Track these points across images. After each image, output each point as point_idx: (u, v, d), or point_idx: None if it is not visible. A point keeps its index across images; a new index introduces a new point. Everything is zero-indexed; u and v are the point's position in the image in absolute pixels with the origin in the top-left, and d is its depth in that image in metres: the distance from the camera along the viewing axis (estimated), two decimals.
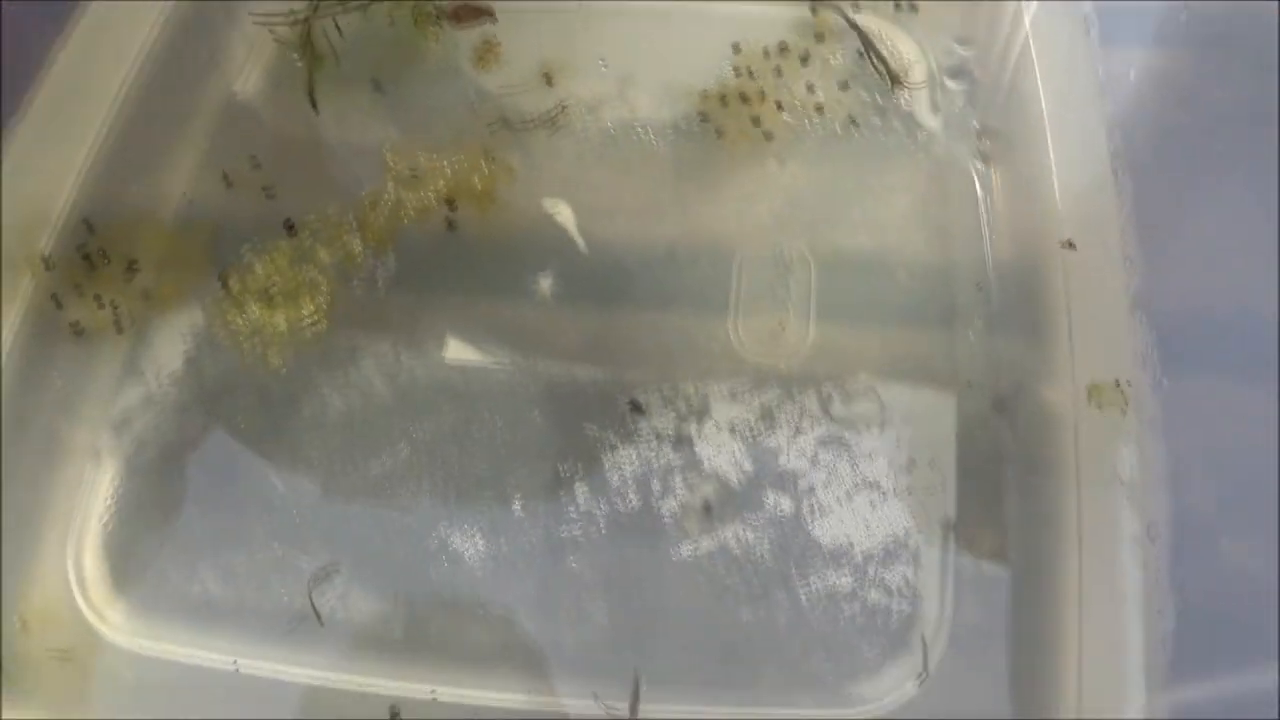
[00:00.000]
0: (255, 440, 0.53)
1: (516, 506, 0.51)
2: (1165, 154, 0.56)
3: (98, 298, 0.55)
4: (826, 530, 0.50)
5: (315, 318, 0.55)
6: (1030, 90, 0.61)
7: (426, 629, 0.49)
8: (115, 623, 0.49)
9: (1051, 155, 0.58)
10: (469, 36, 0.63)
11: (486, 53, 0.60)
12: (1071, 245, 0.51)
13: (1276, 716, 0.32)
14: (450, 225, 0.58)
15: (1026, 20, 0.61)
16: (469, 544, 0.50)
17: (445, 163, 0.58)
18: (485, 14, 0.61)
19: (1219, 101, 0.56)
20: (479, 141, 0.60)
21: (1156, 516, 0.43)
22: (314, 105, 0.62)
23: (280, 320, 0.54)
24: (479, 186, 0.58)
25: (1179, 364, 0.44)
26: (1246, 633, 0.36)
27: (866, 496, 0.51)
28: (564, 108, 0.62)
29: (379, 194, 0.58)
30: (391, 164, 0.58)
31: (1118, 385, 0.47)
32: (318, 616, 0.48)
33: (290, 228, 0.56)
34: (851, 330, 0.55)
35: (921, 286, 0.56)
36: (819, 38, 0.64)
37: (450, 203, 0.57)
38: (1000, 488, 0.50)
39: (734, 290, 0.56)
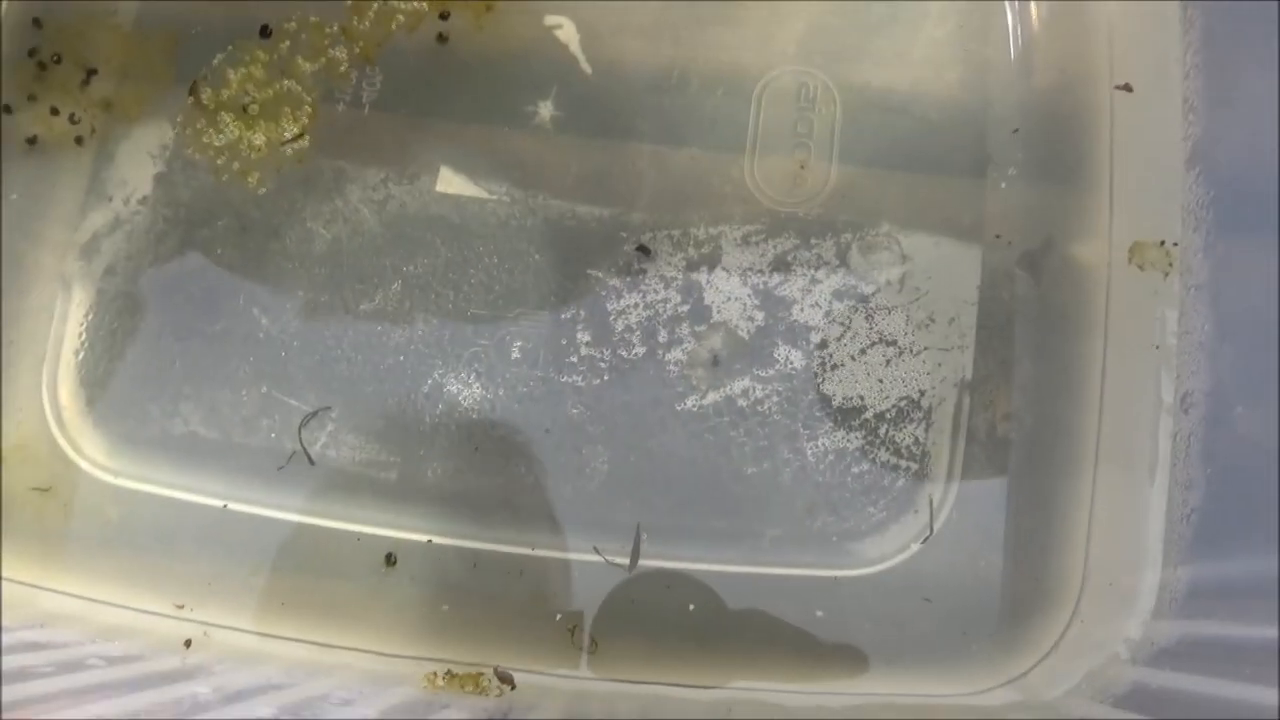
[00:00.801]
0: (236, 270, 0.49)
1: (515, 350, 0.49)
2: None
3: (54, 109, 0.50)
4: (837, 387, 0.48)
5: (297, 136, 0.50)
6: None
7: (422, 474, 0.47)
8: (96, 459, 0.47)
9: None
10: None
11: None
12: (1128, 87, 0.46)
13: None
14: (442, 38, 0.53)
15: None
16: (465, 389, 0.48)
17: None
18: None
19: None
20: None
21: (1193, 385, 0.41)
22: None
23: (258, 137, 0.50)
24: None
25: (1234, 226, 0.41)
26: (1268, 516, 0.34)
27: (881, 353, 0.49)
28: None
29: None
30: None
31: (1163, 245, 0.44)
32: (308, 457, 0.47)
33: (266, 33, 0.51)
34: (875, 175, 0.52)
35: (953, 129, 0.52)
36: None
37: (443, 13, 0.52)
38: (1022, 349, 0.48)
39: (751, 125, 0.52)
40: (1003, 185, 0.51)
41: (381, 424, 0.48)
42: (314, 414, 0.47)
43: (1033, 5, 0.53)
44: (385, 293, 0.50)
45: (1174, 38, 0.46)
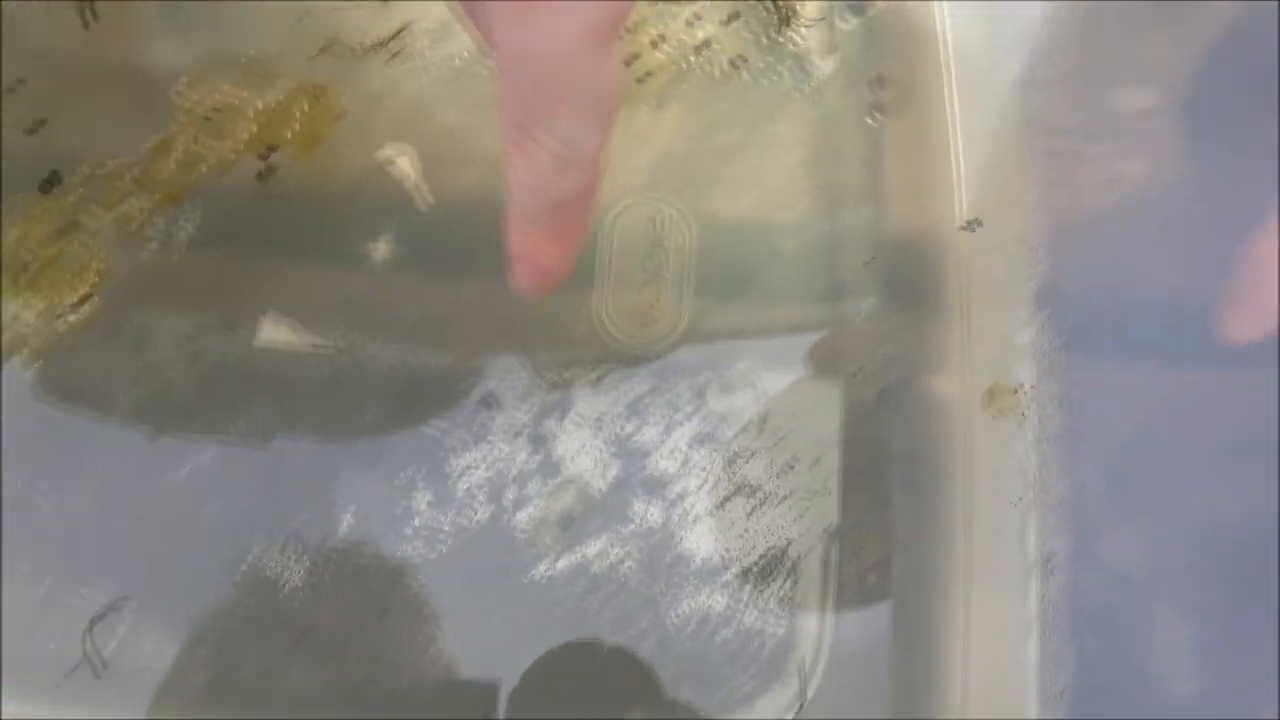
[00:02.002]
0: (11, 446, 0.44)
1: (345, 521, 0.44)
2: (1071, 105, 0.51)
3: None
4: (698, 543, 0.45)
5: (85, 298, 0.45)
6: (932, 32, 0.54)
7: (236, 671, 0.42)
8: None
9: (954, 111, 0.53)
10: None
11: None
12: (974, 226, 0.46)
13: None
14: (264, 175, 0.49)
15: None
16: (288, 568, 0.43)
17: (258, 100, 0.48)
18: None
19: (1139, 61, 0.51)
20: (299, 73, 0.50)
21: (1056, 546, 0.39)
22: (87, 17, 0.50)
23: (36, 304, 0.44)
24: (298, 128, 0.48)
25: (1087, 371, 0.40)
26: (1153, 696, 0.32)
27: (743, 503, 0.46)
28: (407, 28, 0.53)
29: (171, 138, 0.47)
30: (186, 99, 0.47)
31: (1016, 392, 0.43)
32: (93, 664, 0.41)
33: (53, 181, 0.46)
34: (731, 309, 0.49)
35: (808, 259, 0.50)
36: None
37: (264, 149, 0.48)
38: (888, 491, 0.46)
39: (601, 260, 0.49)
40: (859, 319, 0.49)
41: (188, 615, 0.42)
42: (107, 608, 0.41)
43: (889, 130, 0.53)
44: (195, 461, 0.44)
45: (1019, 172, 0.46)
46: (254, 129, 0.47)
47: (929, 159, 0.52)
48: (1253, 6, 0.44)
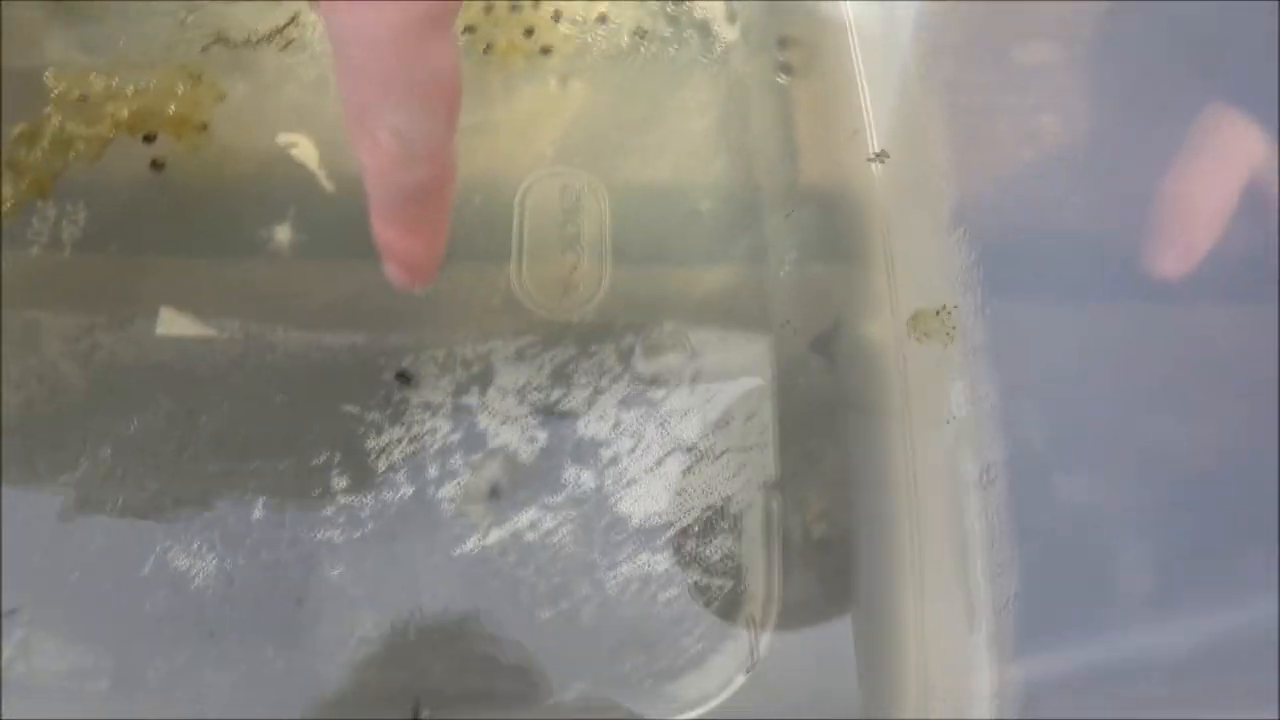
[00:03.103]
0: None
1: (258, 510, 0.41)
2: (976, 61, 0.51)
3: None
4: (635, 505, 0.43)
5: None
6: None
7: (142, 676, 0.38)
8: None
9: (858, 63, 0.53)
10: None
11: None
12: (882, 157, 0.45)
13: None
14: (156, 165, 0.47)
15: None
16: (197, 563, 0.40)
17: (130, 85, 0.46)
18: None
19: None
20: (181, 59, 0.48)
21: (992, 457, 0.38)
22: None
23: None
24: (175, 110, 0.46)
25: (1003, 286, 0.39)
26: (1093, 592, 0.31)
27: (679, 462, 0.44)
28: (296, 19, 0.51)
29: (39, 123, 0.45)
30: (53, 87, 0.45)
31: (939, 313, 0.42)
32: None
33: None
34: (652, 271, 0.48)
35: (727, 218, 0.49)
36: None
37: (144, 134, 0.46)
38: (826, 440, 0.45)
39: (516, 232, 0.48)
40: (783, 271, 0.48)
41: (89, 621, 0.39)
42: None
43: (796, 89, 0.53)
44: (93, 460, 0.42)
45: (922, 110, 0.46)
46: (127, 112, 0.45)
47: (839, 115, 0.52)
48: None
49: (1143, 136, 0.47)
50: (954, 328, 0.41)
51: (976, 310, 0.40)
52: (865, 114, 0.51)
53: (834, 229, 0.48)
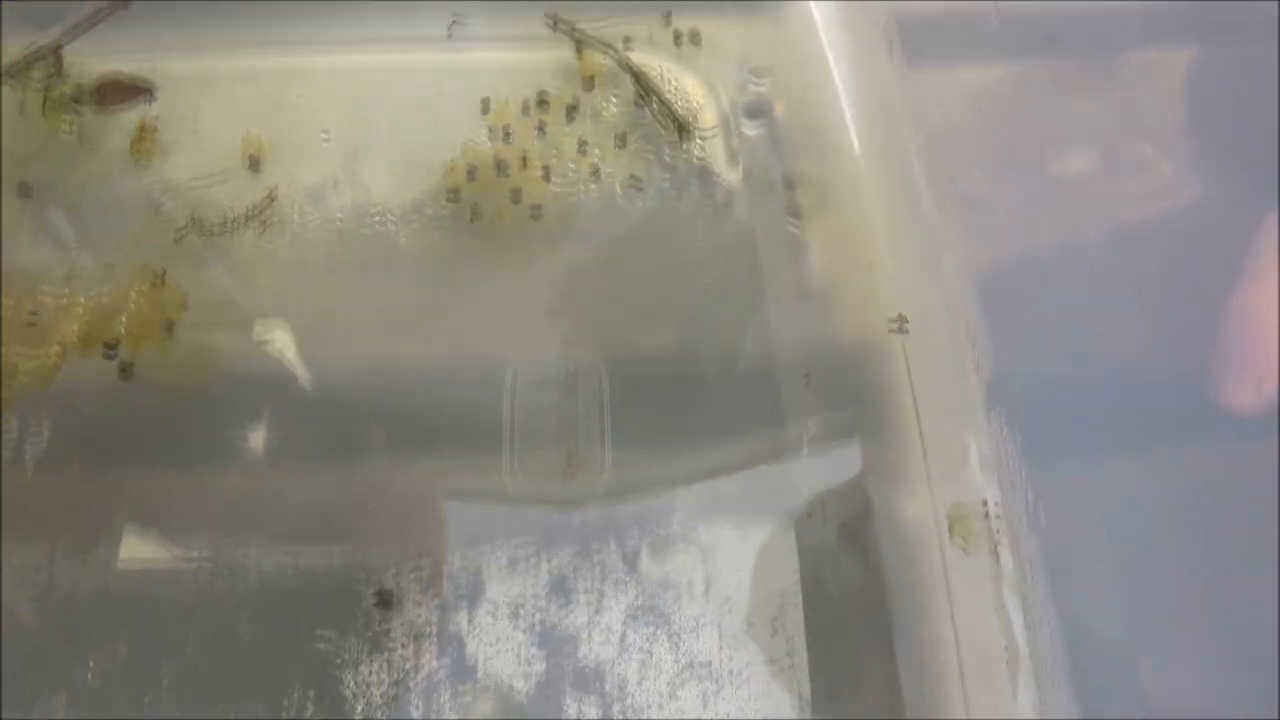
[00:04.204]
0: None
1: None
2: (997, 191, 0.46)
3: None
4: None
5: None
6: (839, 126, 0.50)
7: None
8: None
9: (874, 204, 0.48)
10: (127, 120, 0.48)
11: (142, 141, 0.46)
12: (903, 324, 0.40)
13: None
14: (124, 371, 0.44)
15: (825, 42, 0.51)
16: None
17: (80, 298, 0.43)
18: (140, 92, 0.46)
19: (1047, 116, 0.47)
20: (155, 256, 0.46)
21: (1052, 696, 0.32)
22: None
23: None
24: (133, 320, 0.43)
25: (1051, 479, 0.34)
26: None
27: (696, 688, 0.39)
28: (273, 199, 0.49)
29: None
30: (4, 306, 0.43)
31: (983, 511, 0.36)
32: None
33: None
34: (657, 454, 0.43)
35: (739, 386, 0.45)
36: (587, 84, 0.52)
37: (109, 345, 0.43)
38: (864, 652, 0.39)
39: (507, 417, 0.44)
40: (804, 446, 0.43)
41: None
42: None
43: (808, 234, 0.48)
44: (45, 708, 0.38)
45: (944, 258, 0.41)
46: (78, 327, 0.42)
47: (854, 260, 0.47)
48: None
49: (1201, 254, 0.41)
50: (999, 533, 0.35)
51: (1026, 511, 0.34)
52: (884, 261, 0.46)
53: (859, 398, 0.43)
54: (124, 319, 0.42)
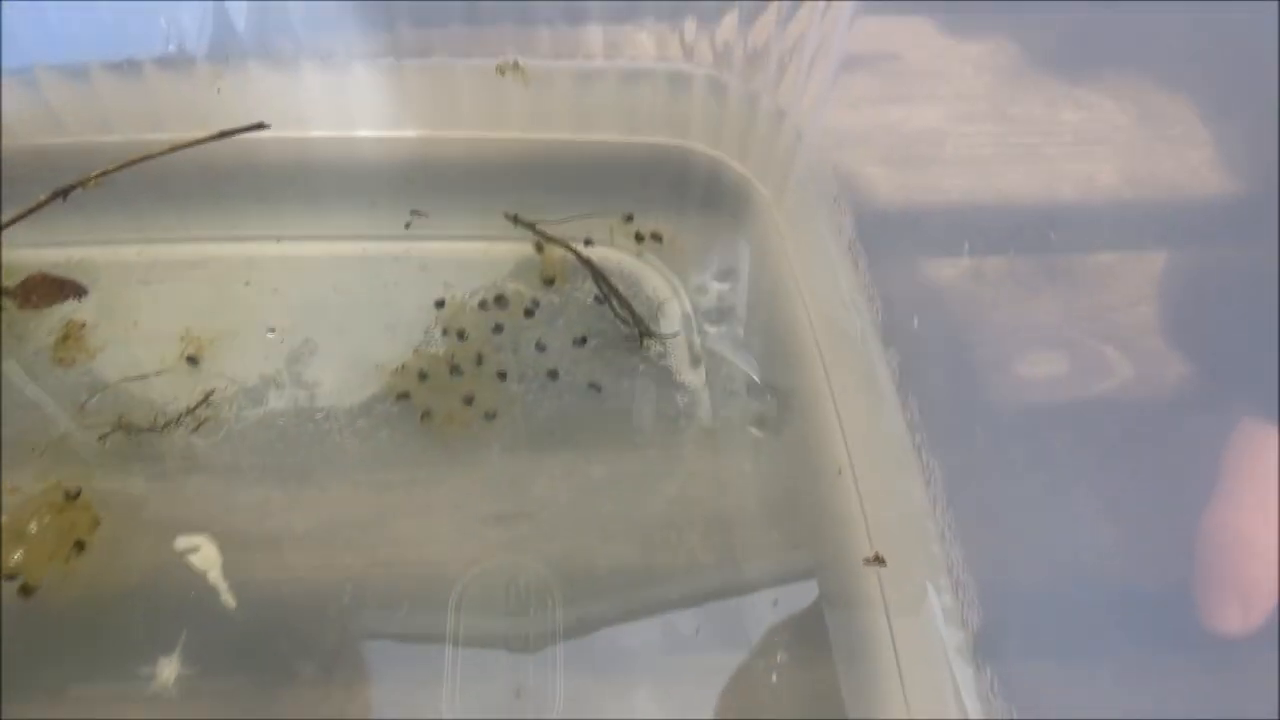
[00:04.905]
0: None
1: None
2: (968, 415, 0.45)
3: None
4: None
5: None
6: (802, 328, 0.49)
7: None
8: None
9: (838, 416, 0.46)
10: (53, 319, 0.46)
11: (66, 341, 0.43)
12: (879, 560, 0.38)
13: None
14: (25, 591, 0.40)
15: (787, 245, 0.51)
16: None
17: None
18: (70, 290, 0.44)
19: (1013, 315, 0.47)
20: (74, 462, 0.43)
21: None
22: None
23: None
24: (32, 547, 0.40)
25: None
26: None
27: None
28: (209, 399, 0.46)
29: None
30: None
31: None
32: None
33: None
34: (616, 687, 0.40)
35: (702, 610, 0.41)
36: (547, 282, 0.51)
37: (9, 574, 0.39)
38: None
39: (449, 645, 0.40)
40: (773, 677, 0.39)
41: None
42: None
43: (773, 443, 0.46)
44: None
45: (918, 487, 0.39)
46: None
47: (822, 474, 0.45)
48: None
49: (1169, 468, 0.39)
50: None
51: None
52: (854, 482, 0.44)
53: (831, 622, 0.40)
54: (21, 552, 0.38)
